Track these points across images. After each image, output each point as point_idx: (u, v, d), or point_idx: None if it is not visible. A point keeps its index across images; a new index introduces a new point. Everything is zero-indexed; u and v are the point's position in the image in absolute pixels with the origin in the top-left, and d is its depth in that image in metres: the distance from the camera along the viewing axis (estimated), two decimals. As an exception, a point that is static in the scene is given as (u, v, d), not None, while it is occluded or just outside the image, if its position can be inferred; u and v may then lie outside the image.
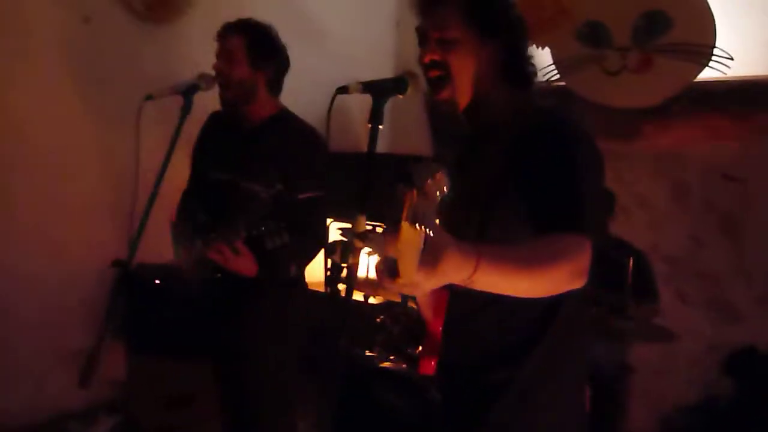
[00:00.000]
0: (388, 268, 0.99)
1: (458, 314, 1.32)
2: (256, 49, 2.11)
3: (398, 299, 2.52)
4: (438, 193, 0.92)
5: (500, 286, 1.12)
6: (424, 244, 0.93)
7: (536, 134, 1.26)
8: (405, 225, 0.90)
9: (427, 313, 1.38)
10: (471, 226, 1.30)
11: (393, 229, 0.92)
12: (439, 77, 1.33)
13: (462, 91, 1.33)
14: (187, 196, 2.35)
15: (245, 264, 1.97)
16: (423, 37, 1.35)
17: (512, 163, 1.26)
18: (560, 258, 1.12)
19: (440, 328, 1.32)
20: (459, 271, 1.03)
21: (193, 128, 2.23)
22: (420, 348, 1.34)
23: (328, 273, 1.25)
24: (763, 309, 3.14)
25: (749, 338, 3.11)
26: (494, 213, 1.28)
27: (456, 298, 1.33)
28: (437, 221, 0.97)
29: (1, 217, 2.81)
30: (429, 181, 0.91)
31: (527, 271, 1.11)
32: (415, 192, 0.90)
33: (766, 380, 3.06)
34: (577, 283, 1.15)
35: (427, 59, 1.33)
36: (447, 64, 1.32)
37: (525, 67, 1.39)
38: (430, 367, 1.31)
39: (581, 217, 1.17)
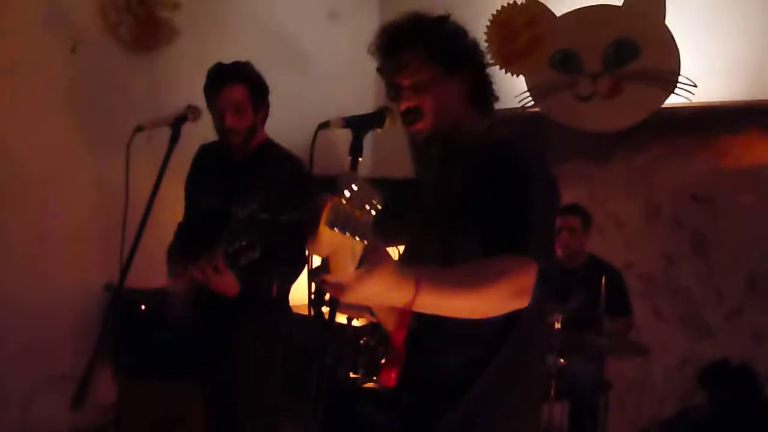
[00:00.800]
0: (319, 269, 1.06)
1: (419, 327, 1.36)
2: (257, 94, 2.21)
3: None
4: (366, 204, 0.97)
5: (442, 309, 1.18)
6: (362, 251, 0.99)
7: (492, 162, 1.32)
8: (322, 227, 0.96)
9: (388, 324, 1.44)
10: (433, 249, 1.36)
11: (311, 231, 0.98)
12: (415, 119, 1.40)
13: (435, 122, 1.41)
14: (181, 228, 2.41)
15: (226, 282, 2.04)
16: (392, 84, 1.43)
17: (471, 194, 1.32)
18: (498, 278, 1.18)
19: (401, 340, 1.37)
20: (398, 290, 1.09)
21: (180, 157, 2.30)
22: (384, 360, 1.38)
23: (312, 296, 1.31)
24: (733, 324, 3.25)
25: (721, 352, 3.21)
26: (455, 237, 1.34)
27: (418, 311, 1.39)
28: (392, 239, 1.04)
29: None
30: (348, 190, 0.96)
31: (466, 292, 1.17)
32: (336, 198, 0.96)
33: (739, 392, 3.16)
34: (519, 303, 1.21)
35: (404, 107, 1.41)
36: (422, 107, 1.39)
37: (488, 93, 1.47)
38: (390, 378, 1.34)
39: (525, 240, 1.23)
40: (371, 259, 1.04)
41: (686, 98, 3.13)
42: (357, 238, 0.97)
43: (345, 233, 0.95)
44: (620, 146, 3.46)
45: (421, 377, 1.39)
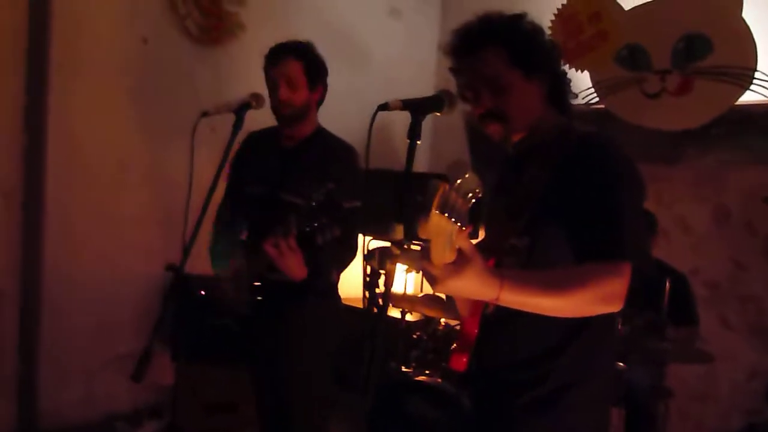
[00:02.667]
0: (423, 252, 1.13)
1: (495, 317, 1.38)
2: (312, 72, 2.20)
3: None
4: (470, 194, 1.04)
5: (527, 307, 1.22)
6: (457, 237, 1.06)
7: (579, 159, 1.30)
8: (434, 213, 1.03)
9: (463, 310, 1.43)
10: (516, 243, 1.36)
11: (425, 215, 1.05)
12: (495, 120, 1.38)
13: (515, 126, 1.40)
14: (222, 212, 2.43)
15: (296, 263, 2.00)
16: (470, 86, 1.39)
17: (555, 187, 1.31)
18: (586, 284, 1.20)
19: (475, 327, 1.38)
20: (483, 287, 1.15)
21: (242, 143, 2.34)
22: (454, 344, 1.40)
23: (367, 279, 1.32)
24: (808, 336, 3.07)
25: (793, 366, 3.05)
26: (537, 233, 1.33)
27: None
28: (478, 233, 1.07)
29: (59, 225, 2.98)
30: (460, 179, 1.03)
31: (552, 295, 1.21)
32: (446, 185, 1.02)
33: (811, 410, 2.98)
34: (611, 307, 1.23)
35: (482, 110, 1.38)
36: (502, 109, 1.37)
37: (566, 92, 1.45)
38: (461, 363, 1.37)
39: (621, 243, 1.23)
40: (462, 257, 1.10)
41: (763, 95, 2.98)
42: (457, 224, 1.04)
43: (450, 219, 1.03)
44: (689, 146, 3.32)
45: (494, 364, 1.40)
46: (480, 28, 1.39)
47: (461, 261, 1.11)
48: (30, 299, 2.99)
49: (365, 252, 1.43)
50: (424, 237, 1.10)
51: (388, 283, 1.30)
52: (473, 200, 1.05)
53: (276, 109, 2.20)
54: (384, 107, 1.34)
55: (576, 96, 1.49)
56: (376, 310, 1.35)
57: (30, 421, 2.98)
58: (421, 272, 1.20)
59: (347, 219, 2.13)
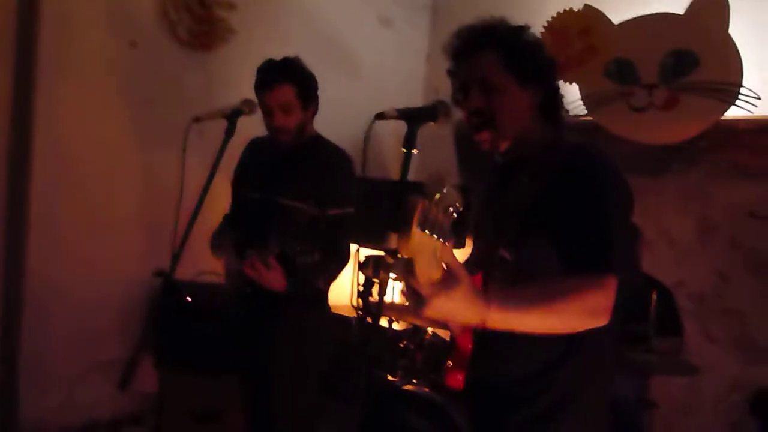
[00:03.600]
0: (406, 269, 1.11)
1: (488, 332, 1.37)
2: (305, 94, 2.22)
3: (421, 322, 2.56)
4: (450, 208, 1.03)
5: (516, 327, 1.20)
6: (441, 252, 1.05)
7: (568, 170, 1.30)
8: (415, 230, 1.02)
9: (455, 326, 1.43)
10: (504, 254, 1.35)
11: (405, 233, 1.04)
12: (482, 123, 1.38)
13: (503, 133, 1.39)
14: (226, 218, 2.45)
15: (276, 278, 2.04)
16: (462, 85, 1.40)
17: (544, 198, 1.31)
18: (573, 299, 1.19)
19: (468, 342, 1.37)
20: (469, 311, 1.13)
21: (234, 150, 2.33)
22: (450, 362, 1.39)
23: (360, 287, 1.32)
24: (790, 349, 3.11)
25: (775, 378, 3.08)
26: (525, 245, 1.33)
27: None
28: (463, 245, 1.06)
29: (43, 228, 2.94)
30: (438, 194, 1.02)
31: (539, 313, 1.19)
32: (425, 202, 1.02)
33: (793, 422, 3.01)
34: (596, 322, 1.21)
35: (471, 107, 1.38)
36: (491, 110, 1.37)
37: (559, 106, 1.45)
38: (458, 381, 1.36)
39: (608, 256, 1.22)
40: (450, 276, 1.08)
41: (748, 111, 3.02)
42: (440, 240, 1.03)
43: (432, 235, 1.02)
44: (675, 160, 3.35)
45: (489, 379, 1.40)
46: (480, 32, 1.40)
47: (449, 280, 1.08)
48: (12, 302, 2.94)
49: (359, 261, 1.43)
50: (406, 256, 1.09)
51: (382, 292, 1.30)
52: (454, 214, 1.04)
53: (272, 133, 2.22)
54: (380, 116, 1.34)
55: (568, 112, 1.49)
56: (369, 319, 1.35)
57: (10, 427, 2.92)
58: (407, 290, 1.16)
59: (336, 227, 2.13)
